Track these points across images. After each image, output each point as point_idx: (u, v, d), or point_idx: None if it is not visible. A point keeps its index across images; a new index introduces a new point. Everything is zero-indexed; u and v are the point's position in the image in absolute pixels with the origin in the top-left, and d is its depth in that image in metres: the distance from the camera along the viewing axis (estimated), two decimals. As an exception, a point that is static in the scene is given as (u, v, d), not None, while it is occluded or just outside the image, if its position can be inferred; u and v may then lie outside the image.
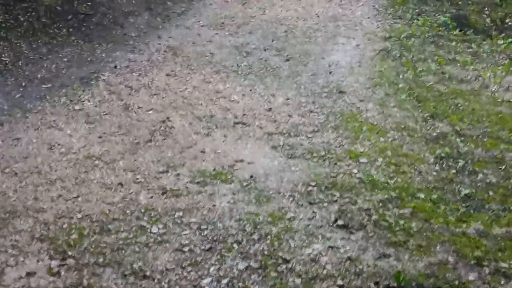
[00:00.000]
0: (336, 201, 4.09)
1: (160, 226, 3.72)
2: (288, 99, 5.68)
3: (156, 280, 3.25)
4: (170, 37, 7.13)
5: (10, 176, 4.15)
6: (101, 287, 3.18)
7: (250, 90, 5.81)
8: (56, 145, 4.59)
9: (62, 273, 3.25)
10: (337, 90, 5.94)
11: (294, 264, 3.43)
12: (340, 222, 3.85)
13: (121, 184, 4.16)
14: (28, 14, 6.97)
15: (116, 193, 4.05)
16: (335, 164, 4.57)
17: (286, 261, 3.45)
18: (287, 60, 6.69)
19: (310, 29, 7.81)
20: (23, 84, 5.50)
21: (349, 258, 3.50)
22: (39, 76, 5.71)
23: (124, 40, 6.86)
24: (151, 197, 4.04)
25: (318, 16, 8.38)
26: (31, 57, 6.05)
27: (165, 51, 6.69)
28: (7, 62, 5.85)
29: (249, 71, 6.29)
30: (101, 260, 3.37)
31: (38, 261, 3.34)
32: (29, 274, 3.24)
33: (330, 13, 8.55)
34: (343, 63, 6.72)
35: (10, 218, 3.70)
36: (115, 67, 6.12)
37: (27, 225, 3.64)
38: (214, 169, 4.41)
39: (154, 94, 5.58)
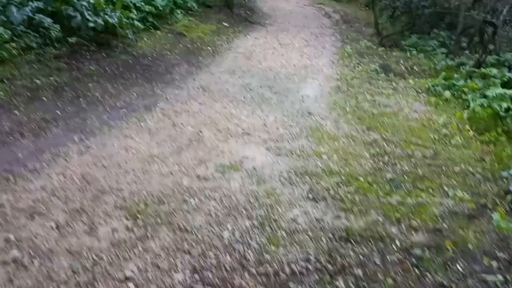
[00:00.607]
0: (307, 182, 4.11)
1: (196, 199, 3.73)
2: (276, 118, 5.69)
3: (194, 234, 3.27)
4: (201, 79, 7.14)
5: (100, 168, 4.16)
6: (159, 238, 3.19)
7: (252, 113, 5.83)
8: (129, 148, 4.60)
9: (135, 229, 3.26)
10: (307, 112, 5.95)
11: (281, 223, 3.45)
12: (310, 196, 3.86)
13: (171, 173, 4.16)
14: (111, 65, 7.00)
15: (168, 178, 4.05)
16: (307, 159, 4.59)
17: (276, 220, 3.47)
18: (275, 93, 6.71)
19: (289, 74, 7.83)
20: (108, 110, 5.51)
21: (316, 219, 3.52)
22: (118, 104, 5.73)
23: (172, 81, 6.87)
24: (190, 181, 4.05)
25: (294, 65, 8.40)
26: (113, 93, 6.07)
27: (197, 88, 6.70)
28: (98, 96, 5.87)
29: (251, 100, 6.31)
30: (159, 220, 3.39)
31: (119, 221, 3.36)
32: (114, 230, 3.26)
33: (302, 64, 8.57)
34: (311, 95, 6.74)
35: (100, 195, 3.71)
36: (167, 98, 6.13)
37: (112, 199, 3.65)
38: (230, 163, 4.42)
39: (191, 116, 5.60)
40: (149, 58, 7.72)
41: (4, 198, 3.54)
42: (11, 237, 3.05)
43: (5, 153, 4.27)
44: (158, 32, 9.29)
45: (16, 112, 5.05)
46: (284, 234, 3.27)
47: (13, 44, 6.11)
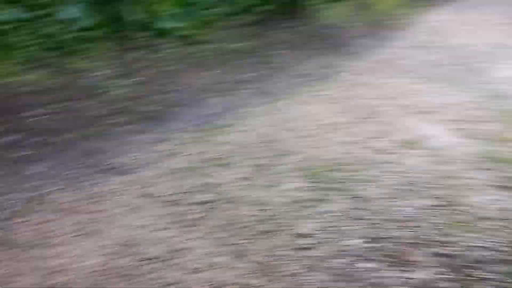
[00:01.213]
0: (498, 169, 3.71)
1: (373, 171, 3.66)
2: (464, 98, 5.23)
3: (370, 203, 3.23)
4: (383, 53, 6.91)
5: (282, 130, 4.33)
6: (336, 203, 3.21)
7: (437, 91, 5.44)
8: (308, 114, 4.71)
9: (312, 191, 3.33)
10: (502, 94, 5.35)
11: (466, 207, 3.20)
12: (502, 184, 3.49)
13: (348, 142, 4.14)
14: (295, 34, 7.21)
15: (345, 147, 4.05)
16: (499, 144, 4.14)
17: (460, 204, 3.23)
18: (466, 72, 6.15)
19: (483, 52, 7.07)
20: (291, 77, 5.70)
21: (509, 209, 3.17)
22: (300, 73, 5.89)
23: (353, 53, 6.78)
24: (367, 152, 3.97)
25: (490, 44, 7.56)
26: (296, 61, 6.26)
27: (379, 61, 6.50)
28: (282, 63, 6.12)
29: (437, 78, 5.89)
30: (336, 186, 3.41)
31: (297, 182, 3.47)
32: (292, 189, 3.36)
33: (499, 42, 7.64)
34: (508, 76, 6.01)
35: (281, 154, 3.88)
36: (347, 70, 6.08)
37: (294, 159, 3.80)
38: (409, 140, 4.21)
39: (371, 89, 5.47)
40: (332, 29, 7.73)
41: (193, 149, 3.94)
42: (208, 181, 3.42)
43: (198, 108, 4.75)
44: (343, 3, 9.20)
45: (211, 72, 5.56)
46: (470, 219, 3.03)
47: (215, 10, 6.69)
